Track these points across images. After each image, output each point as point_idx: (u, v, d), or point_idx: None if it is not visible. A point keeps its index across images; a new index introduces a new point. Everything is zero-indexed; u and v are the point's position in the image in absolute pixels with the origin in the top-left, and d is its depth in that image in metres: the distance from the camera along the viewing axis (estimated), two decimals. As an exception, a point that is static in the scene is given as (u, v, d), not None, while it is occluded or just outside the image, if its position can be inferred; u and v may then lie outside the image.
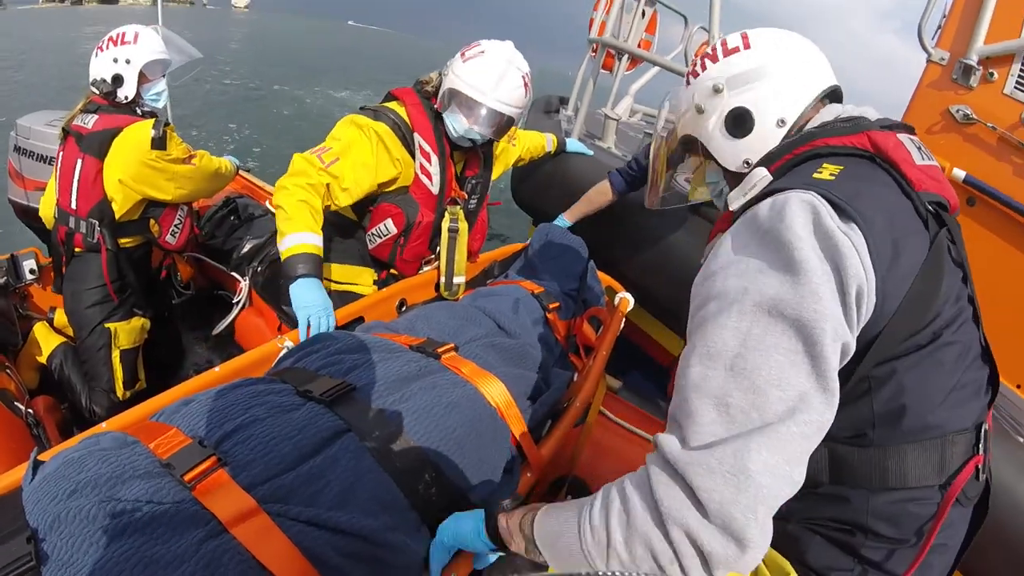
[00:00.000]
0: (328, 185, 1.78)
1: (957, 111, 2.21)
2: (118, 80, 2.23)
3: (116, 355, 2.33)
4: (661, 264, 2.42)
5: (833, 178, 0.84)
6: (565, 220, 2.53)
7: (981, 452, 0.90)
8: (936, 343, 0.85)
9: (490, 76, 1.84)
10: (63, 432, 2.14)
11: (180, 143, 2.28)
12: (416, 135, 1.91)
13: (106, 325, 2.30)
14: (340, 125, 1.88)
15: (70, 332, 2.40)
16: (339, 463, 0.97)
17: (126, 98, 2.26)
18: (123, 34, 2.25)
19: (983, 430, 0.92)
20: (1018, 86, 2.15)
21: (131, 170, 2.18)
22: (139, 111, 2.28)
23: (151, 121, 2.19)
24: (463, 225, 2.07)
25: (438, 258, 2.09)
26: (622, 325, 2.06)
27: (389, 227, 2.00)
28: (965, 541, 0.97)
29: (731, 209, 0.99)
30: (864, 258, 0.77)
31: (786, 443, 0.69)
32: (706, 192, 1.24)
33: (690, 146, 1.16)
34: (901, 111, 2.41)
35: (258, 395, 1.05)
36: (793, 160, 0.95)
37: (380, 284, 2.13)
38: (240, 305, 2.68)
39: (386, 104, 1.97)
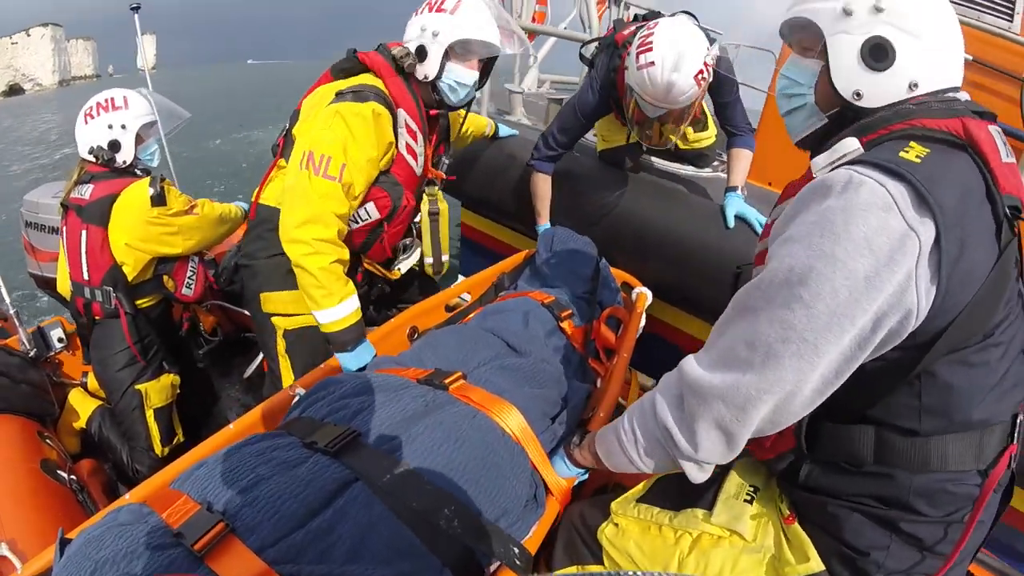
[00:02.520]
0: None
1: None
2: (115, 146, 2.25)
3: (150, 414, 2.37)
4: (676, 254, 2.36)
5: (919, 160, 0.82)
6: (544, 225, 2.51)
7: (1015, 442, 0.93)
8: (984, 343, 0.87)
9: (479, 13, 1.78)
10: (108, 493, 2.19)
11: (179, 195, 2.29)
12: (401, 111, 1.79)
13: (137, 387, 2.34)
14: (326, 121, 1.69)
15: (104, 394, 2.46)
16: (348, 515, 0.95)
17: (124, 162, 2.28)
18: (112, 99, 2.26)
19: (1018, 420, 0.94)
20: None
21: (136, 231, 2.20)
22: (137, 171, 2.32)
23: (147, 180, 2.20)
24: (444, 205, 2.01)
25: (412, 243, 2.04)
26: (643, 322, 2.01)
27: (370, 212, 1.87)
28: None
29: (813, 173, 0.94)
30: (923, 256, 0.79)
31: (741, 397, 0.88)
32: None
33: (806, 32, 1.04)
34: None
35: (264, 452, 1.05)
36: (888, 136, 0.91)
37: (359, 287, 2.02)
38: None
39: (360, 79, 1.78)
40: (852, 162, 0.86)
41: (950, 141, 0.87)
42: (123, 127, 2.25)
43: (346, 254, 1.73)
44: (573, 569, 1.24)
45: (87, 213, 2.19)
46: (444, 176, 2.07)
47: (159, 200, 2.17)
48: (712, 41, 2.05)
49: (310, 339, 1.92)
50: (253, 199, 1.98)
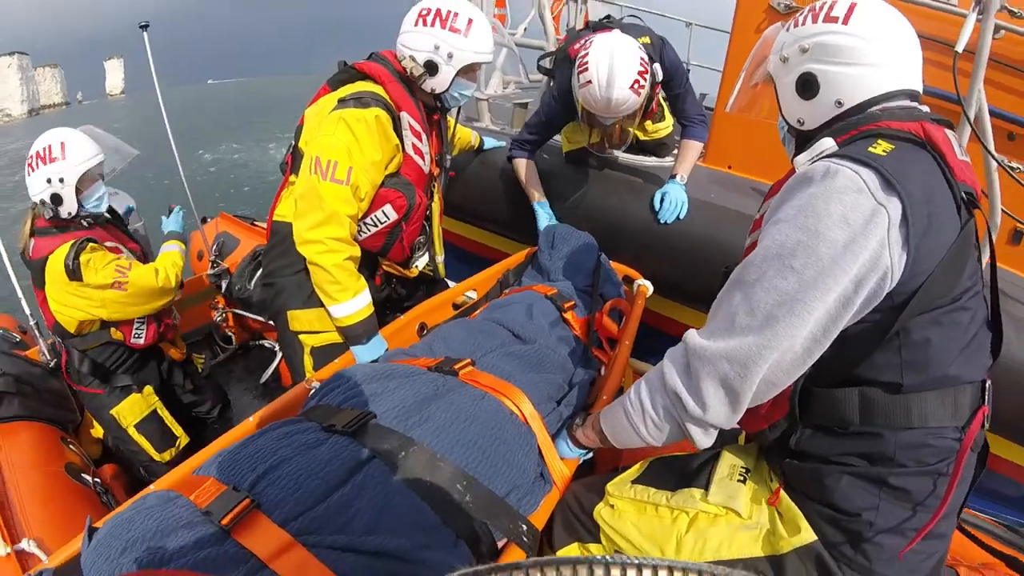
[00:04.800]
0: None
1: (778, 3, 2.43)
2: (57, 199, 2.13)
3: (132, 432, 2.40)
4: (675, 252, 2.42)
5: (885, 154, 0.97)
6: (544, 203, 2.59)
7: (986, 404, 1.05)
8: (954, 306, 1.00)
9: (486, 33, 1.87)
10: (132, 495, 2.23)
11: (103, 266, 2.15)
12: (403, 114, 1.85)
13: (111, 412, 2.37)
14: (331, 127, 1.74)
15: None
16: (367, 490, 1.01)
17: (69, 214, 2.17)
18: (49, 148, 2.12)
19: (987, 385, 1.06)
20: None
21: (59, 298, 2.16)
22: (84, 223, 2.23)
23: (67, 247, 2.09)
24: (437, 204, 2.10)
25: (426, 240, 2.10)
26: (642, 312, 2.06)
27: (388, 214, 1.90)
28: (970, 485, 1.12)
29: (796, 168, 1.08)
30: (893, 228, 0.92)
31: (744, 355, 0.98)
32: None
33: (771, 82, 1.26)
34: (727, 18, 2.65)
35: (285, 436, 1.11)
36: (857, 136, 1.05)
37: (380, 291, 2.09)
38: (280, 352, 2.78)
39: (358, 86, 1.84)
40: (828, 156, 1.01)
41: (912, 140, 1.01)
42: (61, 181, 2.11)
43: (357, 251, 1.80)
44: (575, 547, 1.30)
45: (31, 269, 2.19)
46: (440, 171, 2.15)
47: (74, 275, 2.09)
48: (658, 43, 2.29)
49: (337, 356, 1.96)
50: (268, 216, 2.03)
